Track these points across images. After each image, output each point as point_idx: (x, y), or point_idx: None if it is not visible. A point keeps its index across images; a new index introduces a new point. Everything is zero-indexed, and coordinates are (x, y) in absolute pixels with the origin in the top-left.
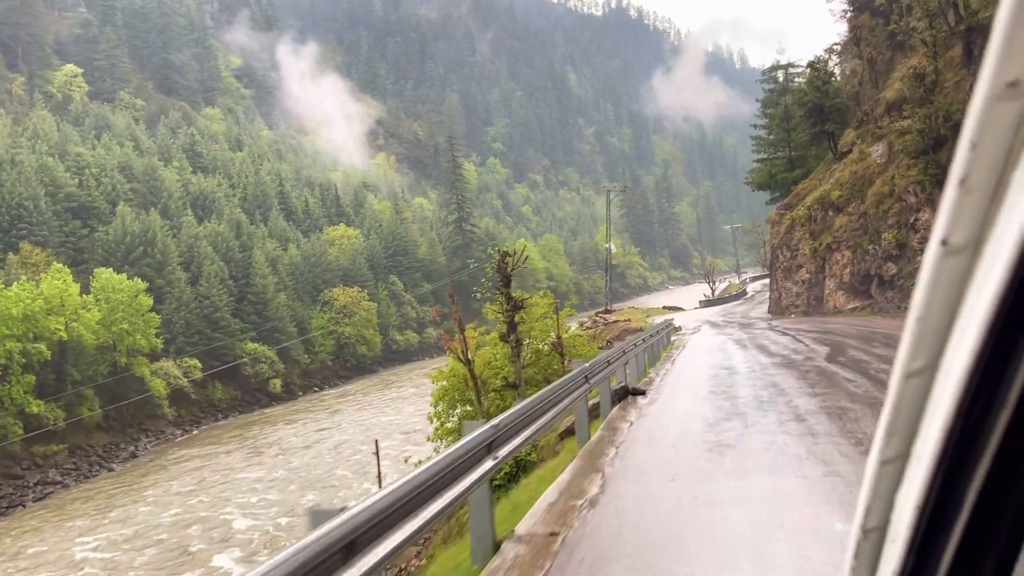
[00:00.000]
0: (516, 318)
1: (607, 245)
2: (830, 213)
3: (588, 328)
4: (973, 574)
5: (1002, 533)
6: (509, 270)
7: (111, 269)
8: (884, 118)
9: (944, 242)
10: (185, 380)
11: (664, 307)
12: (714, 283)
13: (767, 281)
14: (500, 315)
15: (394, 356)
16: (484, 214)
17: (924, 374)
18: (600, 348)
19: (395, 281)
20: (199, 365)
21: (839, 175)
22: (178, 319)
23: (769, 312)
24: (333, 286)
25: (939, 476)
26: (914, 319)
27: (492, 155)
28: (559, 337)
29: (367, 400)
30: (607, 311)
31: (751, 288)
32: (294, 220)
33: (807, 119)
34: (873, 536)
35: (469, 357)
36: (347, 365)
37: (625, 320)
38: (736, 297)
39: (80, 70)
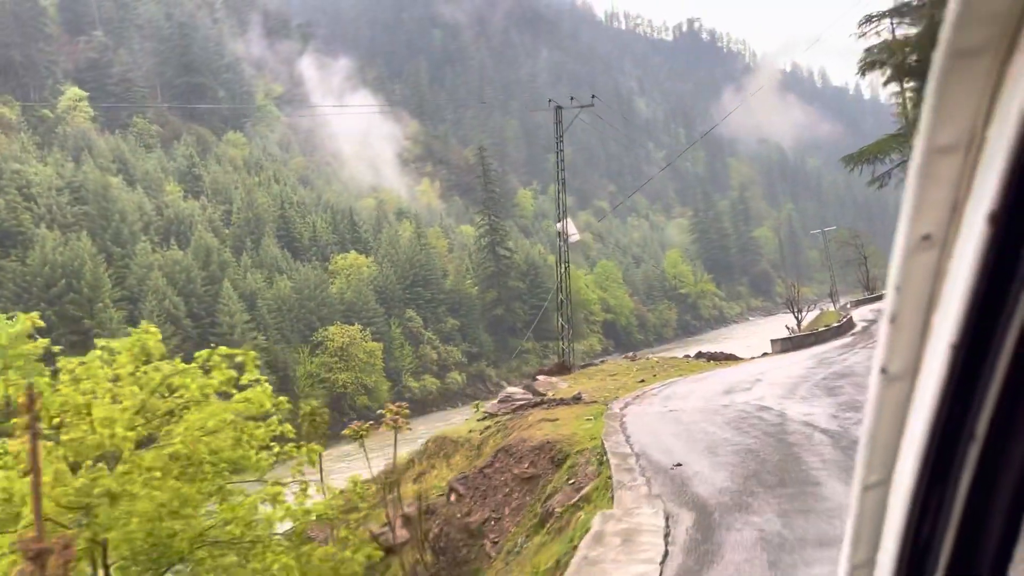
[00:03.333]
0: None
1: (559, 225)
2: None
3: (484, 419)
4: None
5: None
6: None
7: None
8: None
9: (884, 370)
10: None
11: (699, 355)
12: (800, 312)
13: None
14: None
15: (407, 406)
16: (537, 242)
17: (880, 487)
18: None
19: (412, 316)
20: None
21: None
22: None
23: None
24: (331, 323)
25: None
26: (866, 439)
27: (554, 182)
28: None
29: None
30: (560, 368)
31: (858, 315)
32: (295, 249)
33: None
34: None
35: None
36: (343, 420)
37: (549, 415)
38: (838, 332)
39: (85, 94)
